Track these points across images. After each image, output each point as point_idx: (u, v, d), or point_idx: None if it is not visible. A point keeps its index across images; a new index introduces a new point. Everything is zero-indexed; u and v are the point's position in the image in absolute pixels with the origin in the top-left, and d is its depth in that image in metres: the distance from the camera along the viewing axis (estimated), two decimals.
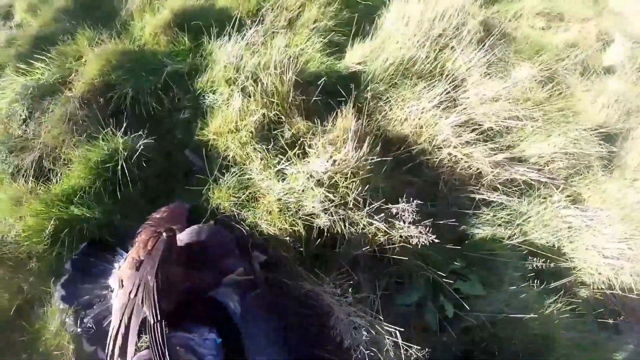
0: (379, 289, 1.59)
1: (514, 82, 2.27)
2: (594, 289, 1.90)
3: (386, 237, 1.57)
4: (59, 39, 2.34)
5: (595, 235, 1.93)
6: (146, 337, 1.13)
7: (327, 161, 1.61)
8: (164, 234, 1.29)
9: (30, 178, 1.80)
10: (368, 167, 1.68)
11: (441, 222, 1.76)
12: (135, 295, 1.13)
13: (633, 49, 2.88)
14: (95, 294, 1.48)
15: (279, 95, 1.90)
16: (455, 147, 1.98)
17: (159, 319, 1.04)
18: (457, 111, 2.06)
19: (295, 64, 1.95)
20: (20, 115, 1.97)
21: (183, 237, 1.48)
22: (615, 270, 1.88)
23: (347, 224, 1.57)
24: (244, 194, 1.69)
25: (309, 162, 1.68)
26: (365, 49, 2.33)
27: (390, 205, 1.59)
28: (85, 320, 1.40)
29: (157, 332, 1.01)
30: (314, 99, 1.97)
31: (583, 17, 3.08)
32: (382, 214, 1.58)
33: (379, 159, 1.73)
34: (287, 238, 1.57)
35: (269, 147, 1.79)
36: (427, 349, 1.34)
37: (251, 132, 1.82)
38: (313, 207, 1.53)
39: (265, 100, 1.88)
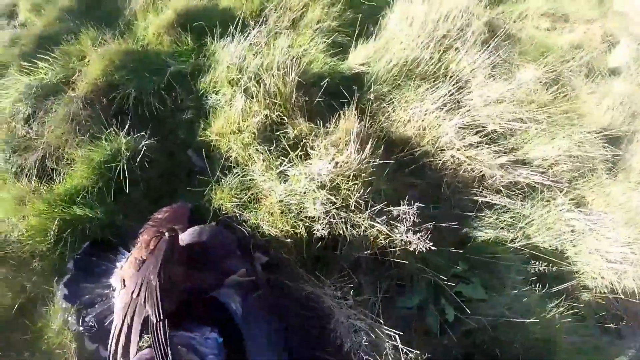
0: (380, 292, 1.59)
1: (518, 83, 2.26)
2: (596, 293, 1.88)
3: (387, 240, 1.57)
4: (63, 38, 2.34)
5: (598, 239, 1.92)
6: (148, 337, 1.14)
7: (329, 163, 1.60)
8: (166, 234, 1.29)
9: (34, 178, 1.80)
10: (370, 170, 1.67)
11: (443, 224, 1.76)
12: (138, 294, 1.14)
13: (638, 50, 2.86)
14: (98, 293, 1.48)
15: (282, 97, 1.90)
16: (458, 150, 1.97)
17: (161, 318, 1.04)
18: (460, 113, 2.05)
19: (298, 65, 1.95)
20: (24, 115, 1.97)
21: (185, 237, 1.48)
22: (618, 274, 1.87)
23: (348, 226, 1.56)
24: (245, 195, 1.69)
25: (311, 163, 1.68)
26: (369, 49, 2.32)
27: (392, 208, 1.59)
28: (87, 319, 1.41)
29: (160, 331, 1.01)
30: (316, 100, 1.97)
31: (588, 18, 3.06)
32: (384, 217, 1.58)
33: (382, 161, 1.72)
34: (289, 240, 1.56)
35: (271, 148, 1.78)
36: (426, 353, 1.33)
37: (253, 133, 1.82)
38: (315, 209, 1.52)
39: (267, 101, 1.87)
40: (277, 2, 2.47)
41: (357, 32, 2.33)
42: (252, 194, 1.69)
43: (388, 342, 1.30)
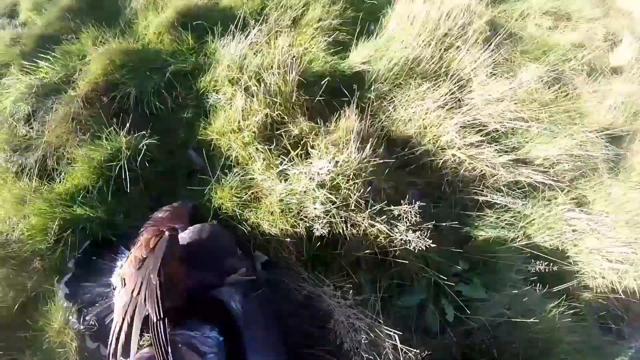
0: (380, 291, 1.59)
1: (519, 82, 2.25)
2: (597, 292, 1.88)
3: (388, 239, 1.57)
4: (64, 37, 2.35)
5: (599, 238, 1.91)
6: (148, 336, 1.14)
7: (330, 162, 1.60)
8: (167, 233, 1.29)
9: (34, 177, 1.80)
10: (371, 169, 1.67)
11: (444, 224, 1.76)
12: (138, 293, 1.14)
13: None
14: (98, 292, 1.48)
15: (282, 95, 1.89)
16: (459, 149, 1.97)
17: (162, 316, 1.04)
18: (462, 112, 2.05)
19: (298, 64, 1.95)
20: (25, 114, 1.98)
21: (184, 236, 1.48)
22: (619, 274, 1.87)
23: (348, 226, 1.56)
24: (246, 194, 1.68)
25: (311, 163, 1.68)
26: (370, 48, 2.32)
27: (392, 207, 1.58)
28: (87, 318, 1.41)
29: (160, 330, 1.01)
30: (317, 98, 1.96)
31: (590, 17, 3.04)
32: (384, 216, 1.57)
33: (382, 161, 1.72)
34: (289, 239, 1.56)
35: (272, 147, 1.78)
36: (425, 352, 1.33)
37: (254, 132, 1.82)
38: (315, 208, 1.52)
39: (268, 100, 1.87)
40: (277, 1, 2.47)
41: (358, 30, 2.33)
42: (252, 193, 1.69)
43: (387, 341, 1.30)
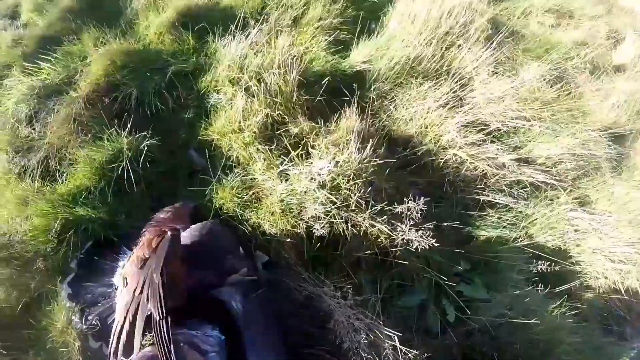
0: (381, 292, 1.59)
1: (522, 81, 2.23)
2: (599, 293, 1.87)
3: (388, 239, 1.56)
4: (65, 38, 2.35)
5: (602, 238, 1.90)
6: (150, 335, 1.15)
7: (330, 162, 1.60)
8: (169, 233, 1.30)
9: (37, 178, 1.81)
10: (371, 169, 1.66)
11: (445, 223, 1.75)
12: (140, 292, 1.15)
13: None
14: (101, 292, 1.50)
15: (283, 95, 1.89)
16: (461, 148, 1.96)
17: (164, 315, 1.04)
18: (463, 111, 2.04)
19: (299, 64, 1.94)
20: (27, 116, 1.99)
21: (185, 235, 1.48)
22: (621, 274, 1.86)
23: (349, 226, 1.56)
24: (247, 194, 1.68)
25: (311, 163, 1.68)
26: (371, 47, 2.31)
27: (395, 206, 1.57)
28: (90, 318, 1.42)
29: (163, 328, 1.02)
30: (317, 98, 1.96)
31: (593, 15, 3.02)
32: (385, 216, 1.57)
33: (383, 161, 1.72)
34: (289, 239, 1.57)
35: (272, 147, 1.78)
36: (425, 353, 1.33)
37: (254, 132, 1.82)
38: (315, 209, 1.52)
39: (268, 100, 1.87)
40: (278, 0, 2.46)
41: (358, 29, 2.32)
42: (253, 194, 1.69)
43: (387, 342, 1.30)
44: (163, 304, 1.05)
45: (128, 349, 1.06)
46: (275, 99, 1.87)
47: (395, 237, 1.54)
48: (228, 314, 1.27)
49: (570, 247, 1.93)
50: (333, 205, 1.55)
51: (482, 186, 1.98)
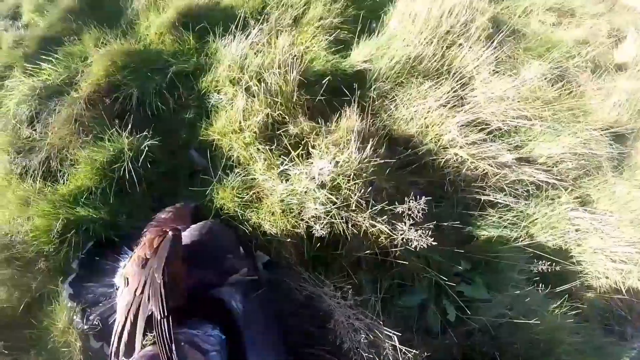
0: (381, 292, 1.59)
1: (523, 80, 2.22)
2: (600, 293, 1.87)
3: (389, 239, 1.56)
4: (66, 39, 2.36)
5: (603, 238, 1.90)
6: (151, 335, 1.15)
7: (330, 162, 1.60)
8: (170, 233, 1.30)
9: (38, 179, 1.82)
10: (372, 169, 1.66)
11: (446, 223, 1.75)
12: (142, 292, 1.15)
13: None
14: (102, 292, 1.50)
15: (283, 95, 1.89)
16: (461, 147, 1.96)
17: (165, 314, 1.05)
18: (464, 110, 2.03)
19: (299, 63, 1.94)
20: (28, 116, 2.00)
21: (186, 235, 1.48)
22: (623, 274, 1.85)
23: (349, 226, 1.56)
24: (247, 194, 1.69)
25: (312, 163, 1.68)
26: (371, 46, 2.31)
27: (396, 205, 1.57)
28: (91, 318, 1.43)
29: (164, 327, 1.02)
30: (318, 98, 1.96)
31: (594, 13, 3.00)
32: (385, 216, 1.57)
33: (383, 160, 1.72)
34: (289, 239, 1.57)
35: (273, 147, 1.78)
36: (425, 353, 1.33)
37: (255, 132, 1.82)
38: (315, 209, 1.52)
39: (269, 100, 1.87)
40: (278, 0, 2.46)
41: (359, 29, 2.32)
42: (253, 194, 1.69)
43: (387, 341, 1.31)
44: (164, 303, 1.06)
45: (129, 348, 1.06)
46: (276, 99, 1.87)
47: (395, 237, 1.54)
48: (228, 313, 1.27)
49: (571, 246, 1.93)
50: (333, 205, 1.55)
51: (483, 186, 1.97)
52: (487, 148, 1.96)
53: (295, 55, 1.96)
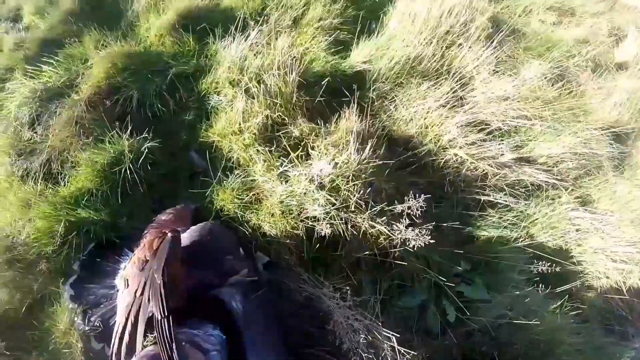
0: (380, 292, 1.60)
1: (523, 80, 2.22)
2: (601, 293, 1.86)
3: (388, 240, 1.56)
4: (66, 41, 2.37)
5: (603, 238, 1.89)
6: (152, 336, 1.16)
7: (329, 164, 1.60)
8: (169, 234, 1.31)
9: (39, 181, 1.83)
10: (371, 170, 1.67)
11: (445, 224, 1.75)
12: (142, 293, 1.15)
13: None
14: (103, 293, 1.51)
15: (283, 97, 1.89)
16: (461, 148, 1.95)
17: (166, 314, 1.05)
18: (464, 110, 2.03)
19: (299, 64, 1.95)
20: (29, 119, 2.01)
21: (185, 236, 1.49)
22: (623, 274, 1.85)
23: (348, 227, 1.56)
24: (247, 195, 1.69)
25: (311, 164, 1.68)
26: (371, 47, 2.31)
27: (396, 205, 1.57)
28: (92, 319, 1.44)
29: (165, 327, 1.03)
30: (317, 99, 1.96)
31: (595, 12, 2.99)
32: (385, 217, 1.57)
33: (382, 162, 1.72)
34: (289, 240, 1.57)
35: (272, 149, 1.78)
36: (425, 354, 1.33)
37: (254, 134, 1.82)
38: (314, 210, 1.53)
39: (268, 101, 1.87)
40: (278, 1, 2.46)
41: (358, 29, 2.31)
42: (253, 195, 1.70)
43: (386, 342, 1.31)
44: (165, 303, 1.06)
45: (130, 350, 1.07)
46: (275, 100, 1.88)
47: (394, 237, 1.54)
48: (228, 314, 1.27)
49: (572, 247, 1.92)
50: (333, 206, 1.55)
51: (483, 186, 1.97)
52: (487, 148, 1.95)
53: (294, 57, 1.96)
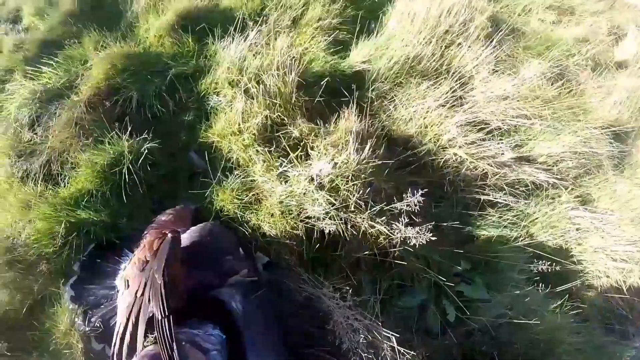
0: (380, 292, 1.60)
1: (522, 79, 2.22)
2: (601, 292, 1.86)
3: (387, 239, 1.57)
4: (66, 42, 2.37)
5: (604, 237, 1.89)
6: (153, 336, 1.16)
7: (329, 164, 1.60)
8: (169, 235, 1.31)
9: (39, 182, 1.84)
10: (370, 170, 1.67)
11: (445, 223, 1.75)
12: (142, 294, 1.16)
13: None
14: (103, 294, 1.51)
15: (282, 97, 1.89)
16: (461, 147, 1.95)
17: (166, 314, 1.05)
18: (463, 110, 2.03)
19: (298, 64, 1.95)
20: (29, 120, 2.01)
21: (185, 236, 1.49)
22: (624, 273, 1.85)
23: (348, 227, 1.56)
24: (247, 196, 1.69)
25: (311, 164, 1.68)
26: (370, 47, 2.31)
27: (396, 203, 1.57)
28: (93, 320, 1.44)
29: (165, 327, 1.03)
30: (317, 99, 1.96)
31: (594, 10, 2.99)
32: (384, 217, 1.57)
33: (381, 162, 1.72)
34: (289, 241, 1.57)
35: (272, 149, 1.79)
36: (425, 353, 1.33)
37: (254, 134, 1.83)
38: (313, 210, 1.53)
39: (267, 101, 1.87)
40: (277, 1, 2.46)
41: (358, 29, 2.31)
42: (253, 195, 1.70)
43: (386, 342, 1.31)
44: (165, 303, 1.06)
45: (131, 350, 1.07)
46: (275, 101, 1.88)
47: (394, 237, 1.54)
48: (228, 314, 1.28)
49: (572, 246, 1.92)
50: (332, 206, 1.55)
51: (483, 185, 1.97)
52: (486, 147, 1.95)
53: (293, 57, 1.96)
